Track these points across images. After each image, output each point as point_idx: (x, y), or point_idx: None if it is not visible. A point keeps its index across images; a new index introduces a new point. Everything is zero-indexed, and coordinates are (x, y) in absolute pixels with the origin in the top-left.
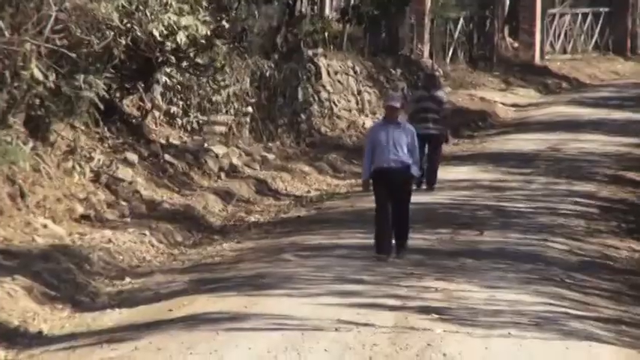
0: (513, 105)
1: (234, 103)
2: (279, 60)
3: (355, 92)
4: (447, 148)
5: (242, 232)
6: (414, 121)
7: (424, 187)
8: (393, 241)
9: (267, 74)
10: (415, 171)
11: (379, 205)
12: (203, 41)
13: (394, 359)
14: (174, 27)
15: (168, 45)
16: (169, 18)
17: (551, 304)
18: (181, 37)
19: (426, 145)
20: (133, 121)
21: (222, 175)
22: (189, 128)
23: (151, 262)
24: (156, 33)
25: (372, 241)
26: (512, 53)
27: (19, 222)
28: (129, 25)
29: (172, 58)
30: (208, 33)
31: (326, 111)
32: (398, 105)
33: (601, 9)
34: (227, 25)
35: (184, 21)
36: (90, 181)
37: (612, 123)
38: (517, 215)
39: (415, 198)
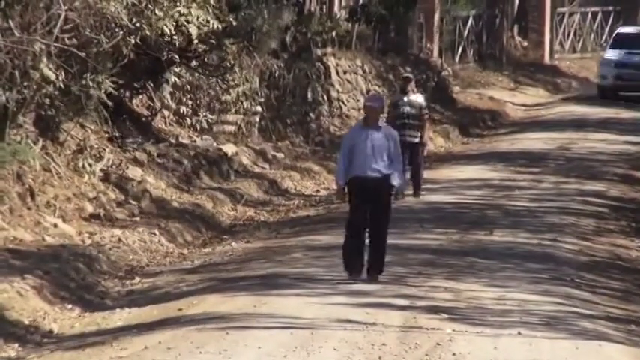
0: (522, 104)
1: (243, 102)
2: (288, 59)
3: (364, 91)
4: (456, 148)
5: (251, 231)
6: (392, 127)
7: (408, 196)
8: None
9: (277, 74)
10: (396, 181)
11: (352, 218)
12: (213, 41)
13: (403, 359)
14: (185, 22)
15: (178, 42)
16: (179, 13)
17: (560, 303)
18: (193, 30)
19: (405, 155)
20: (143, 120)
21: (232, 174)
22: (198, 128)
23: (160, 261)
24: (166, 30)
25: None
26: (521, 52)
27: (29, 221)
28: (138, 24)
29: (181, 57)
30: (219, 27)
31: (335, 110)
32: (379, 106)
33: (610, 8)
34: (234, 24)
35: (194, 12)
36: (100, 181)
37: (622, 122)
38: (527, 214)
39: (424, 198)
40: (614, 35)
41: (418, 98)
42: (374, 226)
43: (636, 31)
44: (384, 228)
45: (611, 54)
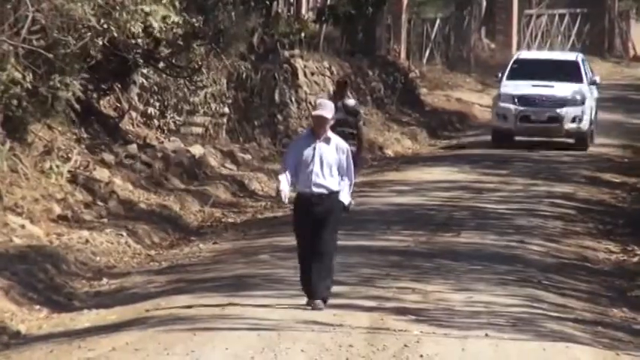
0: (490, 106)
1: (211, 104)
2: (255, 61)
3: (332, 93)
4: (424, 150)
5: (219, 233)
6: None
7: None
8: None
9: (244, 75)
10: (345, 198)
11: (301, 240)
12: (180, 42)
13: None
14: (149, 18)
15: (145, 42)
16: (142, 10)
17: (528, 305)
18: (154, 25)
19: None
20: (110, 121)
21: (199, 175)
22: (166, 129)
23: (128, 262)
24: (134, 30)
25: (347, 243)
26: (488, 54)
27: None
28: (106, 25)
29: (149, 59)
30: (180, 22)
31: (303, 112)
32: (329, 115)
33: (578, 10)
34: (200, 25)
35: (157, 9)
36: (67, 182)
37: None
38: (494, 216)
39: (391, 199)
40: (512, 62)
41: (352, 103)
42: (318, 248)
43: (541, 56)
44: (330, 250)
45: (512, 87)
